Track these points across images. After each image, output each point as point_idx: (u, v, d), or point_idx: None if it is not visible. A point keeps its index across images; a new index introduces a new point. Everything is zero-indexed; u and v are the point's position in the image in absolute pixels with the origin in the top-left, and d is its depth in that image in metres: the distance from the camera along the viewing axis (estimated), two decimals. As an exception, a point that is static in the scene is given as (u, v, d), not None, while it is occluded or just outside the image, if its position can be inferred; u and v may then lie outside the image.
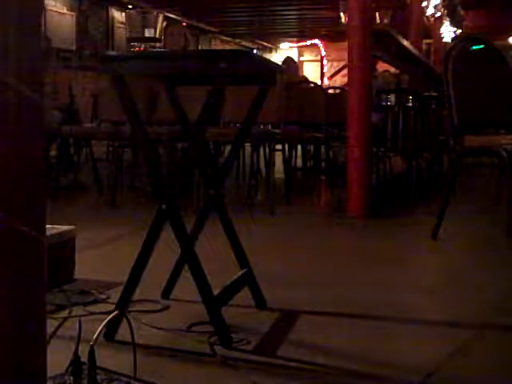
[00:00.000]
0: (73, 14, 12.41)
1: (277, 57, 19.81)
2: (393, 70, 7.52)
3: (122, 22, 13.07)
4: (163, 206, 1.81)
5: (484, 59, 3.39)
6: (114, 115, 4.61)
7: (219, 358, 1.71)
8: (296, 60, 7.39)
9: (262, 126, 5.16)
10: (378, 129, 5.24)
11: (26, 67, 0.99)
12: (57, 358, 1.29)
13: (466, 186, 5.46)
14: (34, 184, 1.02)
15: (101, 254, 3.00)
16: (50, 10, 11.45)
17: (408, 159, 5.81)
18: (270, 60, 2.76)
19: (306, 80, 7.86)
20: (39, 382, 1.05)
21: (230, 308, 1.97)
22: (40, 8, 1.05)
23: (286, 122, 4.78)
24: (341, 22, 5.35)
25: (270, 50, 21.24)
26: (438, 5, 13.02)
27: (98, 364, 1.33)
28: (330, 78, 16.01)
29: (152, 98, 4.60)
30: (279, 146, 5.05)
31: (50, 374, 1.16)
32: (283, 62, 7.18)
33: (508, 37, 16.20)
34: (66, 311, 2.05)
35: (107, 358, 1.54)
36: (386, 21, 5.63)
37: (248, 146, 5.20)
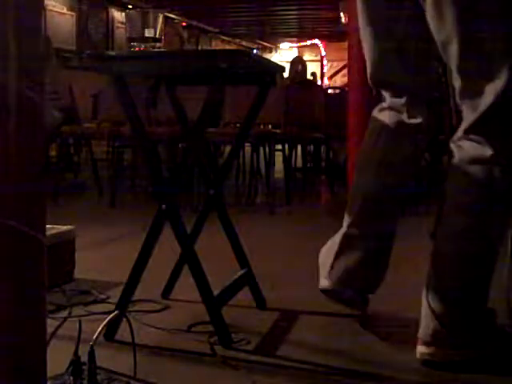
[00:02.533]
0: (73, 14, 12.40)
1: (277, 57, 19.81)
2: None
3: (121, 22, 13.07)
4: (163, 206, 1.81)
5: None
6: (114, 115, 4.61)
7: (219, 358, 1.71)
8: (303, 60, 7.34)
9: (262, 126, 5.16)
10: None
11: (26, 67, 0.99)
12: (57, 358, 1.29)
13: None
14: (34, 184, 1.02)
15: (101, 254, 3.00)
16: (50, 10, 11.44)
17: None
18: (270, 60, 2.76)
19: (313, 81, 7.86)
20: (39, 382, 1.05)
21: (230, 308, 1.97)
22: (40, 8, 1.05)
23: (286, 122, 4.78)
24: (341, 22, 5.35)
25: (270, 50, 21.24)
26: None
27: (98, 364, 1.33)
28: (330, 78, 16.01)
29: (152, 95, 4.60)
30: (279, 146, 5.05)
31: (49, 374, 1.16)
32: (291, 62, 7.14)
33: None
34: (66, 311, 2.05)
35: (107, 358, 1.54)
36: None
37: (248, 146, 5.20)
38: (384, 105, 1.97)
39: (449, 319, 1.67)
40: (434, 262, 1.73)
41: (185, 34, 13.58)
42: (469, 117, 1.67)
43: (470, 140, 1.66)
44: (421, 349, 1.68)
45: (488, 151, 1.63)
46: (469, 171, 1.66)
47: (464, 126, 1.69)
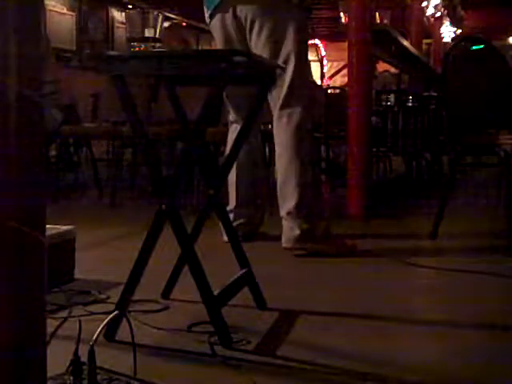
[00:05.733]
0: (73, 14, 12.41)
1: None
2: (393, 70, 7.53)
3: (122, 22, 13.07)
4: (163, 206, 1.81)
5: (484, 59, 3.39)
6: (113, 115, 4.61)
7: (219, 358, 1.71)
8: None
9: (262, 126, 5.15)
10: (378, 129, 5.24)
11: (26, 67, 0.99)
12: (57, 358, 1.29)
13: (465, 185, 5.46)
14: (34, 184, 1.02)
15: (101, 254, 3.00)
16: (50, 10, 11.45)
17: (408, 159, 5.81)
18: (270, 60, 2.76)
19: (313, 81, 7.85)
20: (39, 382, 1.05)
21: (230, 308, 1.97)
22: (40, 8, 1.05)
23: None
24: (341, 22, 5.35)
25: (270, 50, 21.18)
26: (438, 5, 13.04)
27: (98, 364, 1.33)
28: (330, 78, 16.01)
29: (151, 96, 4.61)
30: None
31: (49, 374, 1.16)
32: None
33: (508, 37, 16.21)
34: (66, 311, 2.05)
35: (107, 358, 1.54)
36: (385, 21, 5.64)
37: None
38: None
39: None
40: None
41: (185, 35, 13.59)
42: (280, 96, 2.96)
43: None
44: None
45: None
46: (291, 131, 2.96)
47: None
